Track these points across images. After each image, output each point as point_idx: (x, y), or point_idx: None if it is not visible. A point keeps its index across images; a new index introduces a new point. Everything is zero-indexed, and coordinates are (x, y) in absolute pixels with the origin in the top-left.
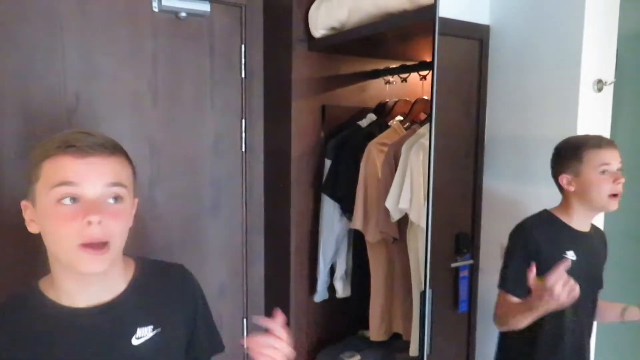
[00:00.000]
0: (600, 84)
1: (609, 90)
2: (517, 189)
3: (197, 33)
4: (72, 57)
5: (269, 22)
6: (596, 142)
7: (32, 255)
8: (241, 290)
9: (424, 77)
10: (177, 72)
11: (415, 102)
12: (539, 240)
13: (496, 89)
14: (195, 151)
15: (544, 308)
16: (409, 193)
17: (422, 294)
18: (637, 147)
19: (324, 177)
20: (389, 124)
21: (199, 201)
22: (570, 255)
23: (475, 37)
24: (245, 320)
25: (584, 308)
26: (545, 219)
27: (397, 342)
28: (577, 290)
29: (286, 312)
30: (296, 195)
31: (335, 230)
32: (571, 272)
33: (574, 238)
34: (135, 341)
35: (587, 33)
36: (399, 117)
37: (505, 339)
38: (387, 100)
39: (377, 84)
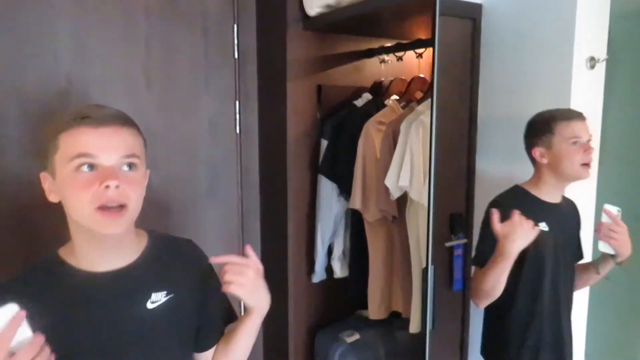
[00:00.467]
0: (592, 62)
1: (601, 68)
2: (510, 169)
3: (189, 14)
4: (63, 40)
5: (263, 0)
6: (566, 115)
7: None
8: None
9: (420, 55)
10: (170, 55)
11: (411, 80)
12: (509, 214)
13: (489, 69)
14: (190, 134)
15: (510, 247)
16: (409, 171)
17: (424, 271)
18: (628, 124)
19: (321, 158)
20: (386, 103)
21: (194, 185)
22: (543, 226)
23: (468, 16)
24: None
25: (562, 279)
26: (517, 193)
27: (395, 320)
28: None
29: (284, 293)
30: (293, 176)
31: (333, 211)
32: (545, 243)
33: (545, 210)
34: (150, 305)
35: (580, 10)
36: (395, 96)
37: (487, 319)
38: (383, 79)
39: (372, 63)
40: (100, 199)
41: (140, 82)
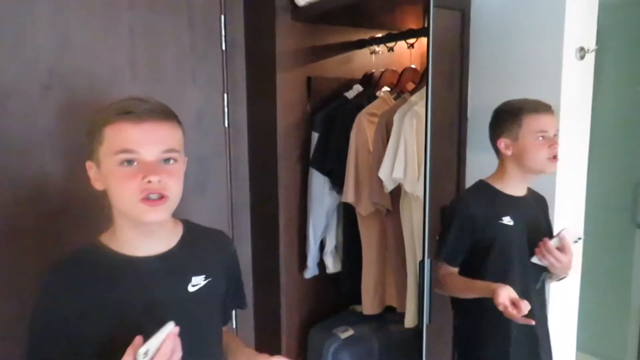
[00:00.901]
0: (582, 52)
1: (590, 58)
2: None
3: (175, 4)
4: (44, 31)
5: None
6: (534, 107)
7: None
8: None
9: (412, 46)
10: (155, 46)
11: (403, 71)
12: (473, 210)
13: (478, 60)
14: None
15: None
16: (403, 162)
17: (421, 264)
18: (617, 114)
19: (312, 151)
20: (377, 94)
21: (183, 180)
22: (507, 220)
23: (456, 7)
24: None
25: (531, 273)
26: (481, 188)
27: (389, 314)
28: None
29: (276, 290)
30: (283, 170)
31: (325, 205)
32: (511, 237)
33: (509, 204)
34: (190, 288)
35: (569, 0)
36: (386, 88)
37: (456, 313)
38: (374, 70)
39: (362, 54)
40: (144, 191)
41: (125, 74)
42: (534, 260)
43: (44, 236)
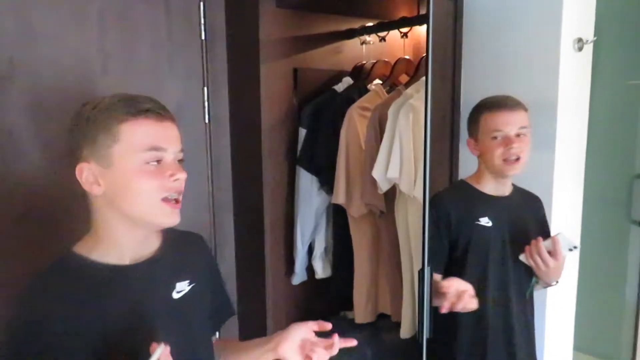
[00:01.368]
0: (580, 43)
1: (588, 49)
2: None
3: None
4: (4, 17)
5: None
6: (493, 105)
7: None
8: None
9: (405, 35)
10: (128, 34)
11: (396, 62)
12: (450, 210)
13: (472, 51)
14: None
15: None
16: (399, 161)
17: (420, 272)
18: (612, 108)
19: (299, 148)
20: (368, 87)
21: None
22: (485, 221)
23: None
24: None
25: (511, 275)
26: (460, 188)
27: (382, 322)
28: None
29: (262, 296)
30: (268, 168)
31: (313, 206)
32: (488, 239)
33: (488, 204)
34: (175, 295)
35: None
36: (378, 80)
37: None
38: (364, 62)
39: (352, 45)
40: (168, 190)
41: (95, 65)
42: (521, 258)
43: (4, 243)
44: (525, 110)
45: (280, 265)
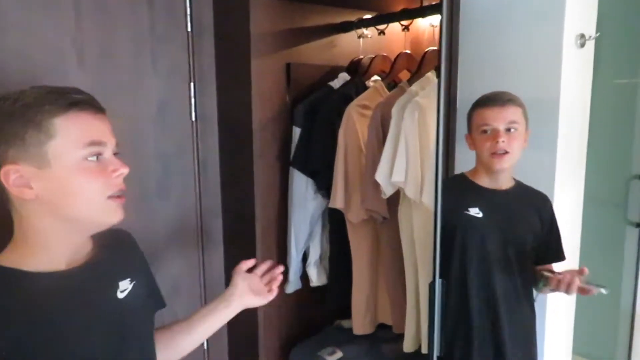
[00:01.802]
0: (582, 39)
1: (590, 46)
2: None
3: None
4: None
5: None
6: (484, 101)
7: None
8: (198, 284)
9: (407, 28)
10: (107, 25)
11: (397, 57)
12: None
13: (468, 48)
14: (135, 122)
15: None
16: (404, 163)
17: (431, 285)
18: (615, 104)
19: (293, 149)
20: (367, 83)
21: (142, 182)
22: (474, 212)
23: None
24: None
25: (500, 272)
26: (455, 179)
27: (381, 331)
28: None
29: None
30: (260, 170)
31: (308, 210)
32: (479, 227)
33: (481, 195)
34: (120, 295)
35: None
36: (376, 77)
37: None
38: (362, 56)
39: (348, 39)
40: (114, 187)
41: (70, 58)
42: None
43: None
44: (519, 106)
45: None
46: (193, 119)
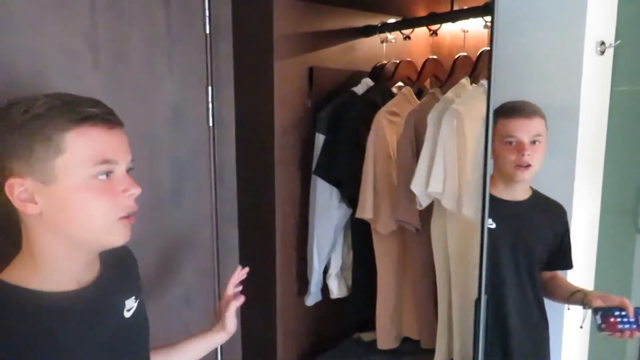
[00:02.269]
0: (602, 47)
1: (609, 53)
2: None
3: None
4: None
5: None
6: (508, 111)
7: None
8: (212, 295)
9: (435, 33)
10: (123, 26)
11: (424, 63)
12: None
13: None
14: (149, 126)
15: None
16: (442, 173)
17: (477, 302)
18: (623, 114)
19: (316, 156)
20: (393, 90)
21: (156, 188)
22: (488, 222)
23: None
24: None
25: (510, 282)
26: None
27: (404, 345)
28: None
29: (271, 317)
30: (281, 177)
31: (332, 220)
32: (493, 239)
33: (495, 206)
34: (127, 314)
35: None
36: (400, 83)
37: None
38: (385, 62)
39: (369, 43)
40: (124, 208)
41: (85, 59)
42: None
43: None
44: (542, 117)
45: (292, 283)
46: (210, 123)
